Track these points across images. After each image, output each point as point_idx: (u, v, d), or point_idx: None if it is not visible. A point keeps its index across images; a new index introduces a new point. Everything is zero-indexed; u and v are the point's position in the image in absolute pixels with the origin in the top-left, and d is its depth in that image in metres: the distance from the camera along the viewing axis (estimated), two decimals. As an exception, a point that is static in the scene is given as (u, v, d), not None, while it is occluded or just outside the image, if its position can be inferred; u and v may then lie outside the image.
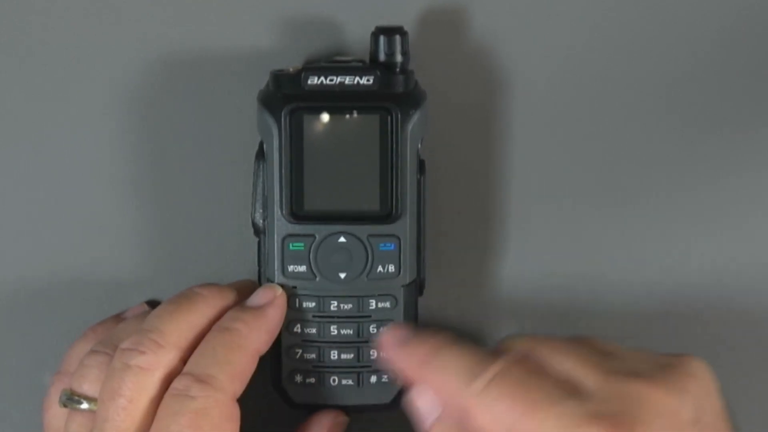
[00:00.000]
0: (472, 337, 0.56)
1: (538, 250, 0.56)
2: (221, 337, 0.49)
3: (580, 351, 0.48)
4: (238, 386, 0.48)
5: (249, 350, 0.49)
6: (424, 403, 0.49)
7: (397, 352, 0.49)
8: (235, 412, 0.48)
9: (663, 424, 0.44)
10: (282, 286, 0.51)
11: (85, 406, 0.49)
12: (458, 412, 0.47)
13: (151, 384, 0.47)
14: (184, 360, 0.48)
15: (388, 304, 0.51)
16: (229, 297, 0.51)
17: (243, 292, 0.52)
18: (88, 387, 0.49)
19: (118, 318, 0.54)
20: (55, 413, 0.51)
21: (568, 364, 0.47)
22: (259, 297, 0.51)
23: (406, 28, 0.51)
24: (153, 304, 0.54)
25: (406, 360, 0.49)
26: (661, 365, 0.47)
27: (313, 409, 0.52)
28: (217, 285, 0.51)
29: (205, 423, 0.46)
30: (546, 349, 0.48)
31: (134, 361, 0.47)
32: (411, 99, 0.50)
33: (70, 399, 0.49)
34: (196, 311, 0.50)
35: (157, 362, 0.48)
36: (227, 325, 0.49)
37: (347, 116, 0.50)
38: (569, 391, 0.45)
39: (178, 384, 0.47)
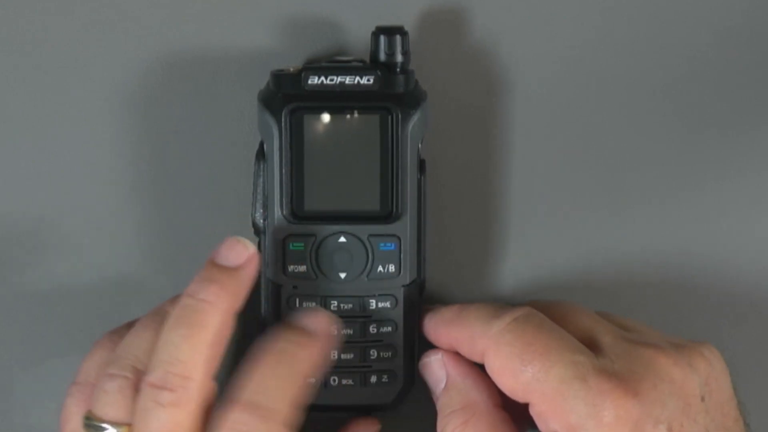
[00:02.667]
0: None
1: (538, 250, 0.56)
2: (278, 366, 0.47)
3: (598, 316, 0.50)
4: (296, 415, 0.47)
5: (303, 377, 0.48)
6: (430, 372, 0.51)
7: (429, 321, 0.51)
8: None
9: (667, 389, 0.45)
10: (279, 286, 0.51)
11: (109, 431, 0.48)
12: (477, 357, 0.48)
13: (187, 417, 0.47)
14: (212, 377, 0.47)
15: (388, 304, 0.51)
16: (235, 288, 0.48)
17: (240, 274, 0.49)
18: (111, 412, 0.48)
19: (131, 326, 0.52)
20: (75, 428, 0.50)
21: (586, 323, 0.49)
22: (309, 320, 0.49)
23: (406, 28, 0.51)
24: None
25: (438, 324, 0.51)
26: (673, 343, 0.48)
27: (314, 409, 0.52)
28: (217, 280, 0.48)
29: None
30: (566, 308, 0.50)
31: (166, 399, 0.46)
32: (411, 99, 0.50)
33: (92, 425, 0.48)
34: (211, 327, 0.47)
35: (189, 396, 0.46)
36: (282, 349, 0.48)
37: (347, 116, 0.50)
38: (582, 344, 0.47)
39: (233, 415, 0.46)
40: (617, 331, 0.49)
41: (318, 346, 0.49)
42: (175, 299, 0.50)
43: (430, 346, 0.52)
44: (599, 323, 0.49)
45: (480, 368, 0.50)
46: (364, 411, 0.53)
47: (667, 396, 0.45)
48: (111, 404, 0.48)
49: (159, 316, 0.50)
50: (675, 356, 0.47)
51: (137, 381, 0.48)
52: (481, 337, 0.48)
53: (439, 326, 0.51)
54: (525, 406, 0.47)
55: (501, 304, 0.50)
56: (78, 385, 0.51)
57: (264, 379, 0.47)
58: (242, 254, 0.49)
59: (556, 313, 0.49)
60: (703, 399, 0.46)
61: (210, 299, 0.47)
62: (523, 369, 0.46)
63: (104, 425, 0.48)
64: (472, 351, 0.49)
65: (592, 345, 0.47)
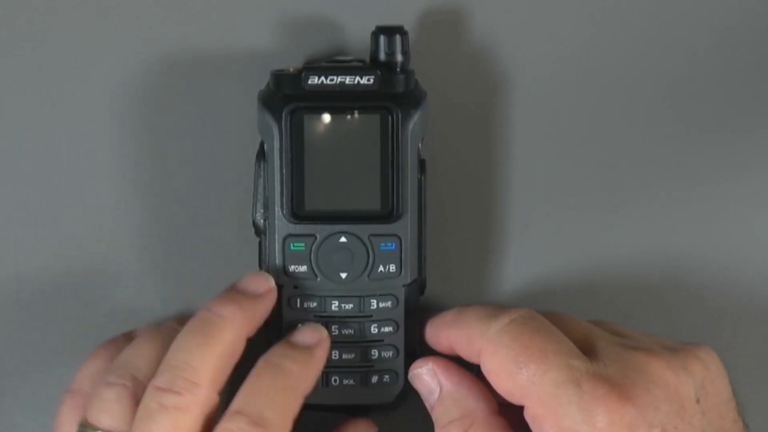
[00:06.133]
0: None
1: (538, 249, 0.56)
2: (274, 378, 0.48)
3: (591, 324, 0.50)
4: (289, 430, 0.48)
5: (300, 393, 0.48)
6: (422, 384, 0.51)
7: (429, 327, 0.52)
8: None
9: (660, 393, 0.45)
10: (280, 286, 0.51)
11: None
12: (474, 357, 0.48)
13: (188, 423, 0.47)
14: (218, 391, 0.48)
15: (389, 304, 0.51)
16: (252, 313, 0.49)
17: (258, 301, 0.50)
18: (107, 420, 0.48)
19: (128, 336, 0.53)
20: (70, 430, 0.50)
21: (581, 329, 0.49)
22: (306, 335, 0.50)
23: (406, 27, 0.51)
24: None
25: (437, 328, 0.51)
26: (668, 347, 0.48)
27: (315, 409, 0.52)
28: (236, 300, 0.49)
29: None
30: (561, 316, 0.50)
31: (171, 402, 0.46)
32: (411, 99, 0.50)
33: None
34: (224, 340, 0.48)
35: (194, 402, 0.46)
36: (279, 363, 0.48)
37: (348, 116, 0.50)
38: (578, 350, 0.47)
39: (230, 424, 0.46)
40: (612, 337, 0.49)
41: (316, 365, 0.50)
42: (180, 318, 0.51)
43: (430, 348, 0.52)
44: (594, 329, 0.50)
45: (473, 375, 0.50)
46: (365, 411, 0.53)
47: (661, 400, 0.45)
48: (107, 412, 0.48)
49: (161, 330, 0.51)
50: (668, 360, 0.47)
51: (136, 390, 0.48)
52: (478, 338, 0.48)
53: (438, 329, 0.51)
54: (520, 412, 0.47)
55: (499, 305, 0.50)
56: (72, 392, 0.51)
57: (261, 390, 0.47)
58: (263, 285, 0.50)
59: (552, 320, 0.49)
60: (698, 401, 0.46)
61: (227, 315, 0.48)
62: (519, 371, 0.47)
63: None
64: (470, 352, 0.49)
65: (587, 350, 0.47)
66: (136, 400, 0.48)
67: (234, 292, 0.50)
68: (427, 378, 0.51)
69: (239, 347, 0.48)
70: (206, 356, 0.47)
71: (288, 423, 0.47)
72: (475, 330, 0.49)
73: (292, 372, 0.48)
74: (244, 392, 0.47)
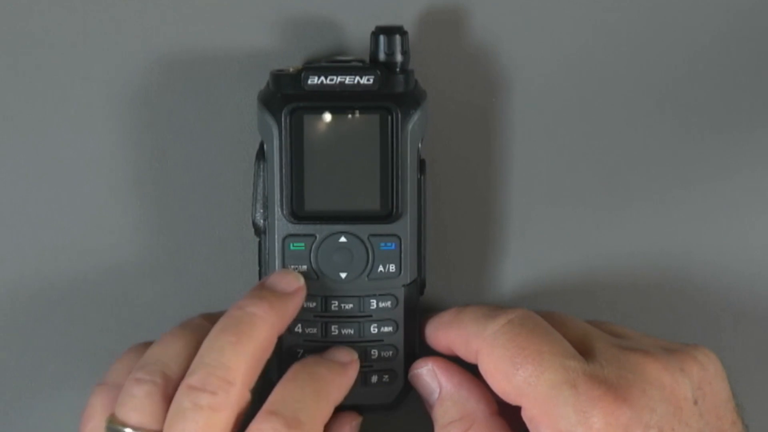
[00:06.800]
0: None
1: (538, 249, 0.56)
2: (311, 384, 0.48)
3: (588, 325, 0.50)
4: None
5: (332, 400, 0.49)
6: (422, 384, 0.51)
7: (428, 327, 0.51)
8: None
9: (657, 395, 0.45)
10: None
11: None
12: (472, 357, 0.48)
13: (222, 422, 0.46)
14: (250, 389, 0.48)
15: (389, 304, 0.51)
16: (283, 311, 0.49)
17: (288, 299, 0.50)
18: (135, 417, 0.47)
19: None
20: (96, 426, 0.49)
21: (578, 329, 0.49)
22: (342, 354, 0.51)
23: (406, 28, 0.51)
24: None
25: (435, 329, 0.51)
26: (666, 348, 0.48)
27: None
28: (267, 298, 0.49)
29: None
30: (558, 317, 0.50)
31: (205, 401, 0.46)
32: (411, 99, 0.50)
33: (115, 429, 0.47)
34: (257, 339, 0.48)
35: (228, 401, 0.46)
36: (314, 369, 0.49)
37: (347, 116, 0.50)
38: (575, 351, 0.47)
39: (265, 425, 0.46)
40: (609, 338, 0.49)
41: (348, 378, 0.50)
42: (206, 315, 0.51)
43: (430, 348, 0.52)
44: (592, 330, 0.50)
45: (473, 375, 0.50)
46: (365, 411, 0.53)
47: (657, 401, 0.45)
48: (136, 409, 0.47)
49: (189, 327, 0.50)
50: (665, 361, 0.47)
51: (166, 387, 0.47)
52: (475, 338, 0.48)
53: (437, 329, 0.51)
54: (519, 413, 0.47)
55: (497, 306, 0.50)
56: (105, 385, 0.50)
57: (296, 393, 0.48)
58: (292, 283, 0.50)
59: (549, 320, 0.49)
60: (696, 402, 0.46)
61: (259, 313, 0.48)
62: (515, 372, 0.47)
63: (127, 430, 0.47)
64: (467, 352, 0.49)
65: (584, 350, 0.47)
66: (166, 397, 0.47)
67: (265, 290, 0.49)
68: (427, 378, 0.51)
69: (271, 345, 0.48)
70: (240, 355, 0.47)
71: (320, 428, 0.48)
72: (472, 330, 0.49)
73: (326, 378, 0.48)
74: (280, 393, 0.47)
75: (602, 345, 0.48)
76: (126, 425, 0.47)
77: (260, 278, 0.52)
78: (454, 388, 0.50)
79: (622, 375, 0.46)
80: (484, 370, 0.48)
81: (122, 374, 0.50)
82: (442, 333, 0.51)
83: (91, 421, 0.49)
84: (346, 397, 0.51)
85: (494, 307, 0.50)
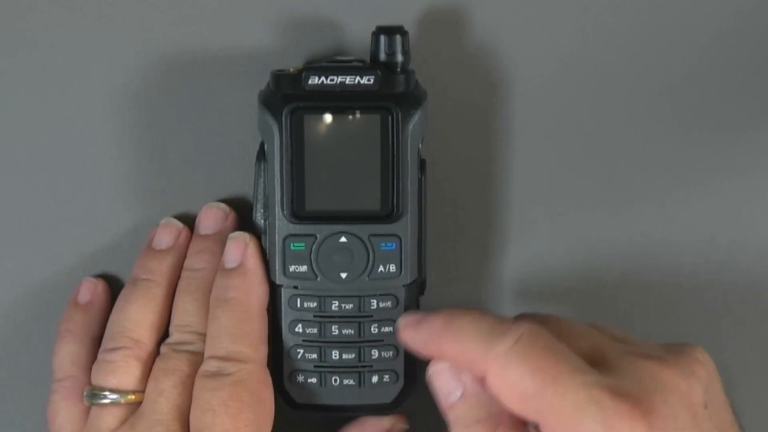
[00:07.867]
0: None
1: (538, 249, 0.56)
2: (225, 313, 0.50)
3: (595, 331, 0.48)
4: (263, 350, 0.51)
5: (255, 311, 0.51)
6: (443, 382, 0.48)
7: (413, 331, 0.49)
8: (267, 377, 0.51)
9: (676, 402, 0.44)
10: (280, 286, 0.51)
11: (114, 397, 0.50)
12: (478, 375, 0.46)
13: (196, 366, 0.50)
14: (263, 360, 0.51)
15: (389, 304, 0.51)
16: (217, 247, 0.53)
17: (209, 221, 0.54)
18: (116, 380, 0.51)
19: (79, 305, 0.54)
20: (67, 416, 0.52)
21: (585, 339, 0.47)
22: (233, 254, 0.52)
23: (406, 28, 0.51)
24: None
25: (423, 335, 0.48)
26: (669, 350, 0.47)
27: (315, 409, 0.52)
28: (209, 250, 0.53)
29: (244, 393, 0.49)
30: (564, 325, 0.48)
31: (187, 348, 0.51)
32: (412, 98, 0.50)
33: (97, 395, 0.51)
34: (206, 290, 0.52)
35: (201, 348, 0.51)
36: (223, 296, 0.51)
37: (348, 116, 0.50)
38: (587, 366, 0.45)
39: (209, 367, 0.50)
40: (618, 345, 0.47)
41: (255, 275, 0.52)
42: (140, 261, 0.54)
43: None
44: (597, 337, 0.48)
45: None
46: (365, 411, 0.53)
47: (678, 408, 0.44)
48: (116, 373, 0.51)
49: (137, 288, 0.53)
50: (677, 366, 0.46)
51: (139, 351, 0.51)
52: (482, 358, 0.46)
53: (427, 336, 0.48)
54: None
55: (494, 314, 0.48)
56: (59, 381, 0.53)
57: (218, 332, 0.50)
58: (220, 220, 0.54)
59: (554, 330, 0.47)
60: (706, 406, 0.46)
61: (208, 267, 0.53)
62: (533, 394, 0.44)
63: (109, 392, 0.50)
64: (471, 368, 0.47)
65: (596, 361, 0.46)
66: (140, 359, 0.51)
67: (200, 240, 0.54)
68: (449, 376, 0.48)
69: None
70: (201, 310, 0.51)
71: (259, 345, 0.51)
72: (477, 349, 0.46)
73: (238, 299, 0.51)
74: (209, 339, 0.51)
75: (614, 354, 0.46)
76: (105, 389, 0.51)
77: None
78: (480, 388, 0.47)
79: (642, 385, 0.44)
80: (495, 390, 0.46)
81: (68, 364, 0.53)
82: (432, 342, 0.48)
83: (58, 416, 0.52)
84: (346, 399, 0.52)
85: (493, 317, 0.47)
